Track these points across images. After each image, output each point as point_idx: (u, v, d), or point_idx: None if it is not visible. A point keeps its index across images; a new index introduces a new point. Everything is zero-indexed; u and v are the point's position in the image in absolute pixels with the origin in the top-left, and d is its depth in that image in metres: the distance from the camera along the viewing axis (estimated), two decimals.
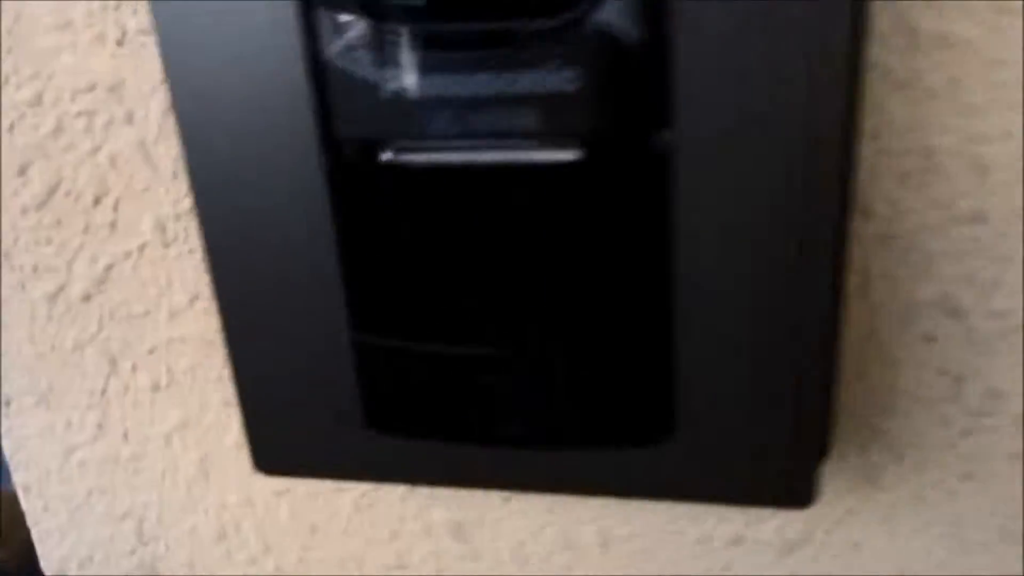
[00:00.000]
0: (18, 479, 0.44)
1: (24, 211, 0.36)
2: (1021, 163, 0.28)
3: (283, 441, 0.31)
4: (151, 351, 0.39)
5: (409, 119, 0.24)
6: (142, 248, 0.36)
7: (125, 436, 0.42)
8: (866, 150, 0.29)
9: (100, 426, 0.41)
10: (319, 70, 0.24)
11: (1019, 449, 0.33)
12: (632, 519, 0.38)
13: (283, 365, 0.29)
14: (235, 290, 0.28)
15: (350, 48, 0.24)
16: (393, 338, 0.27)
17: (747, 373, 0.26)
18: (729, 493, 0.28)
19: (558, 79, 0.23)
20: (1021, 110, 0.27)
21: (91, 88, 0.33)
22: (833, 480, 0.35)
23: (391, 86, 0.24)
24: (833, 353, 0.26)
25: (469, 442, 0.28)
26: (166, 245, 0.36)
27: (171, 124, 0.33)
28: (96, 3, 0.32)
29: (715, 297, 0.25)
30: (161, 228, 0.36)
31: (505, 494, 0.39)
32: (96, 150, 0.34)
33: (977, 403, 0.32)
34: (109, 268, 0.37)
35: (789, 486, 0.27)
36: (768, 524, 0.37)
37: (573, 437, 0.27)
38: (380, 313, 0.27)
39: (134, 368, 0.40)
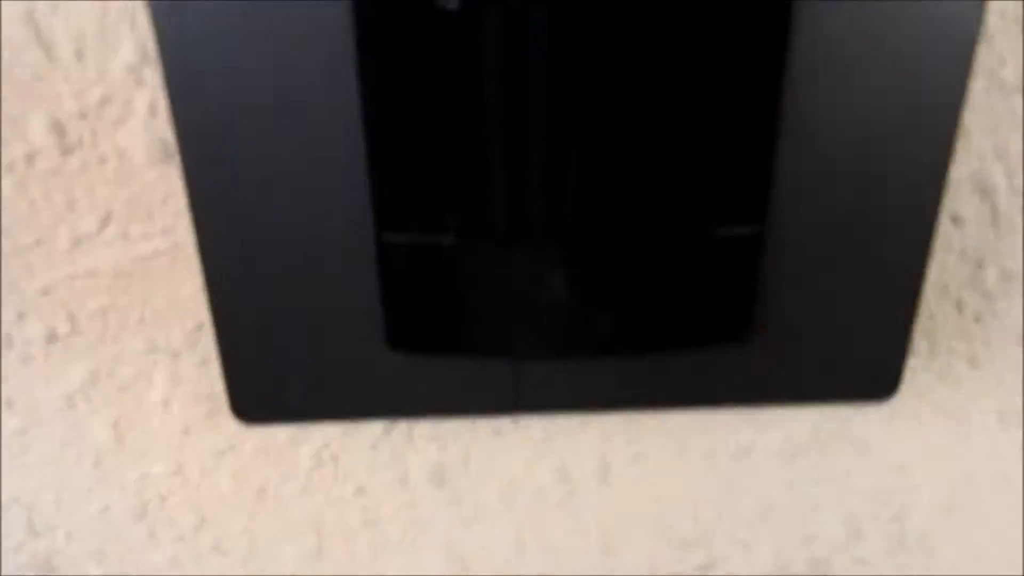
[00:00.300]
0: None
1: None
2: None
3: (274, 379, 0.25)
4: (44, 292, 0.31)
5: None
6: (31, 158, 0.28)
7: (9, 403, 0.33)
8: None
9: None
10: None
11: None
12: (636, 440, 0.35)
13: (277, 280, 0.23)
14: (214, 178, 0.22)
15: None
16: (430, 235, 0.22)
17: (842, 261, 0.23)
18: (814, 390, 0.25)
19: None
20: None
21: None
22: None
23: None
24: (932, 235, 0.23)
25: (529, 358, 0.24)
26: (66, 152, 0.28)
27: None
28: None
29: (820, 173, 0.22)
30: (59, 130, 0.28)
31: (496, 426, 0.34)
32: None
33: (992, 286, 0.32)
34: None
35: (877, 377, 0.24)
36: (775, 431, 0.35)
37: (658, 339, 0.23)
38: (414, 206, 0.22)
39: (20, 316, 0.31)
